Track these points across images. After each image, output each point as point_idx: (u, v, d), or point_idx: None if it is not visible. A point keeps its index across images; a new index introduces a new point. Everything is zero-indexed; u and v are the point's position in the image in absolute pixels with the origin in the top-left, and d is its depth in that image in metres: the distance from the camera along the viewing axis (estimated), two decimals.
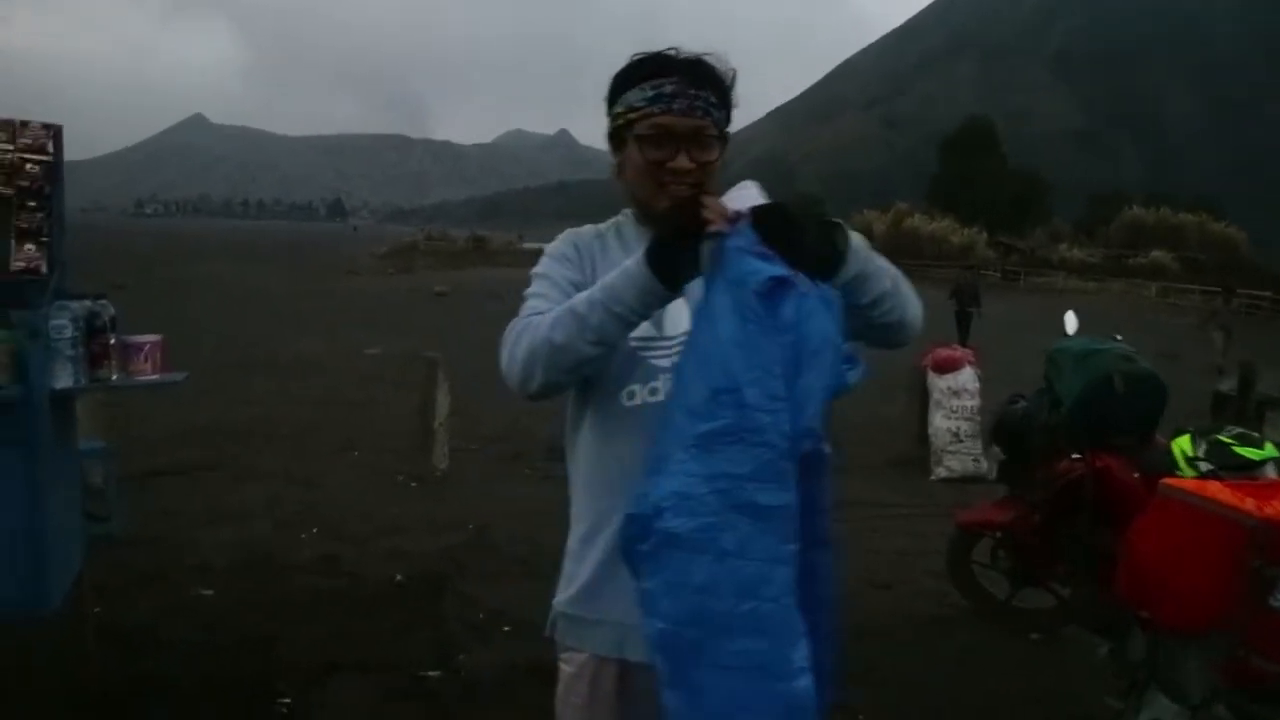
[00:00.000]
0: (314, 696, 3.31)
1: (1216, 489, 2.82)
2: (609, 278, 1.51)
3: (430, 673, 3.56)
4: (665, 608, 1.34)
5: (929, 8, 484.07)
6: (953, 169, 70.16)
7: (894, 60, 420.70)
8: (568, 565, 1.77)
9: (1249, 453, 3.20)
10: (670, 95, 1.61)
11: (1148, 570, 2.82)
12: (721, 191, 1.75)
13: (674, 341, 1.62)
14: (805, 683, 1.33)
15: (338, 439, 7.83)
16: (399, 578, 4.52)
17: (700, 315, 1.41)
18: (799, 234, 1.43)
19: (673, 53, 1.67)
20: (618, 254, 1.71)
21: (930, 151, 76.62)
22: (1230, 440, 3.24)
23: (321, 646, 3.71)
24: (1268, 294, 39.84)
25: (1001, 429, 4.10)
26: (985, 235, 56.14)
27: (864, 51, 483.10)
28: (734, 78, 1.70)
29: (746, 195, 1.50)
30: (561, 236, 1.79)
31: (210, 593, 4.22)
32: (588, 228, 1.81)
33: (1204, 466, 3.23)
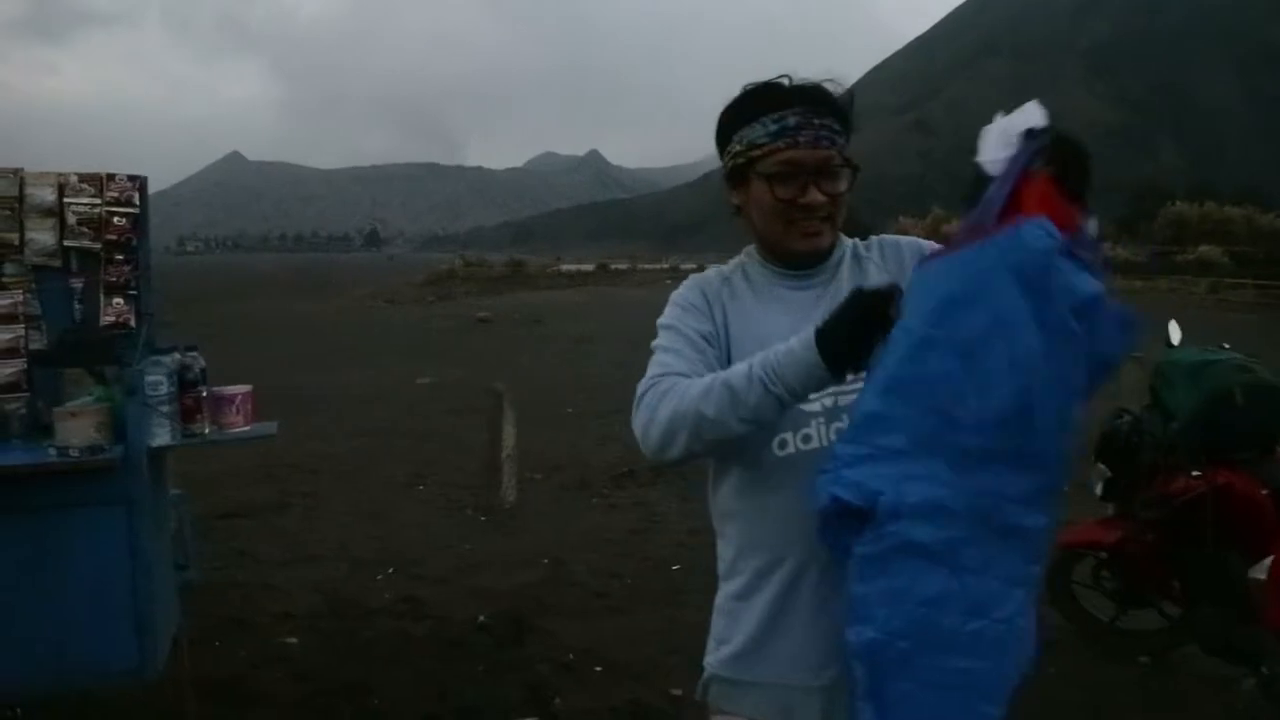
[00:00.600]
0: None
1: None
2: (772, 356, 1.42)
3: (528, 719, 3.46)
4: (882, 616, 1.26)
5: (957, 10, 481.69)
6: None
7: (924, 65, 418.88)
8: (719, 623, 1.67)
9: None
10: (795, 128, 1.52)
11: None
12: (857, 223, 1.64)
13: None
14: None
15: (402, 472, 7.79)
16: (482, 618, 4.43)
17: (986, 320, 1.25)
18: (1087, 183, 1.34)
19: (786, 81, 1.57)
20: (748, 297, 1.65)
21: (964, 156, 75.73)
22: None
23: (414, 694, 3.64)
24: None
25: (1108, 445, 3.91)
26: None
27: (893, 58, 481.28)
28: (852, 100, 1.60)
29: (1029, 116, 1.36)
30: (688, 283, 1.71)
31: (295, 640, 4.16)
32: (713, 272, 1.72)
33: None
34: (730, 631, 1.63)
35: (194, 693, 3.19)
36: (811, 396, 1.50)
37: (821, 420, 1.54)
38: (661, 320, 1.66)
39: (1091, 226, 1.30)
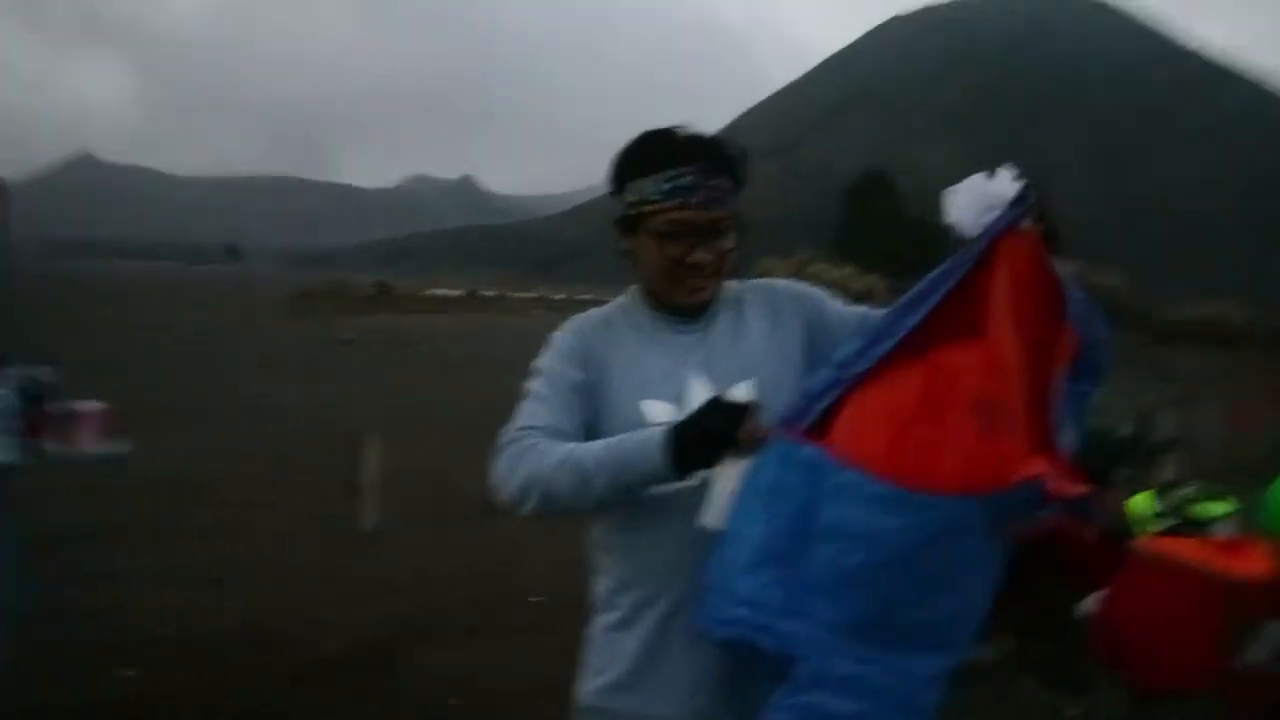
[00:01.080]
0: None
1: (1191, 548, 2.87)
2: (622, 447, 1.48)
3: None
4: None
5: (825, 63, 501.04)
6: (854, 219, 72.27)
7: (792, 113, 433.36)
8: (594, 655, 1.68)
9: (1207, 508, 3.27)
10: (688, 188, 1.56)
11: (1127, 632, 2.84)
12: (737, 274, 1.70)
13: None
14: None
15: (258, 493, 7.49)
16: (338, 649, 4.30)
17: (929, 541, 1.33)
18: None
19: (684, 134, 1.62)
20: (629, 338, 1.68)
21: (828, 201, 78.87)
22: (1193, 495, 3.30)
23: None
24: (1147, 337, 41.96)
25: None
26: (885, 282, 57.89)
27: (762, 104, 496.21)
28: (745, 158, 1.67)
29: (1006, 182, 1.45)
30: (568, 328, 1.73)
31: (133, 673, 3.92)
32: (595, 314, 1.75)
33: (1167, 522, 3.29)
34: (605, 662, 1.65)
35: None
36: None
37: None
38: (537, 363, 1.69)
39: (1072, 272, 1.41)
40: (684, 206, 1.56)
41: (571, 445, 1.53)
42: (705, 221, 1.58)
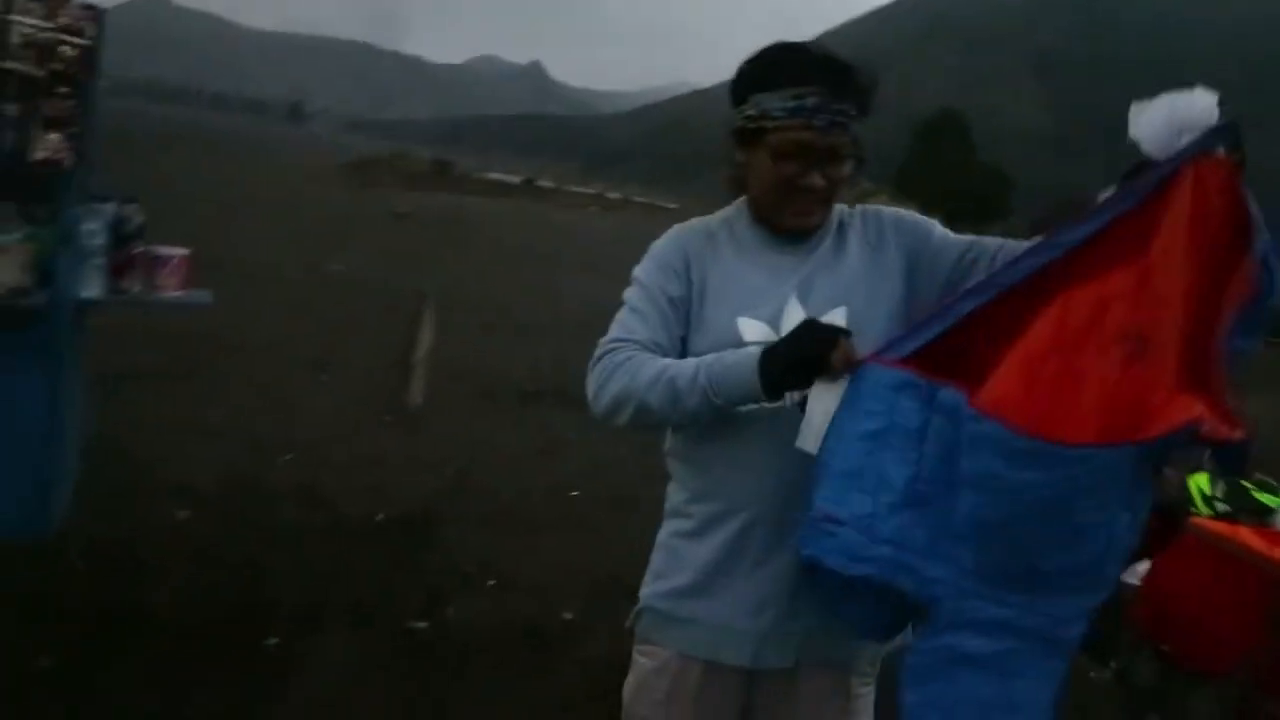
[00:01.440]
0: (302, 642, 3.20)
1: (1248, 535, 2.85)
2: (717, 367, 1.48)
3: (418, 624, 3.48)
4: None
5: None
6: (922, 156, 70.53)
7: (875, 38, 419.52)
8: (660, 558, 1.72)
9: (1267, 499, 3.23)
10: (813, 110, 1.52)
11: (1174, 608, 2.84)
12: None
13: None
14: None
15: (308, 358, 7.60)
16: (380, 517, 4.41)
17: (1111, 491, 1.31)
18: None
19: (816, 52, 1.57)
20: (730, 255, 1.66)
21: (903, 136, 76.92)
22: (1250, 485, 3.26)
23: (306, 584, 3.61)
24: None
25: None
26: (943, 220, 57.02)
27: (843, 27, 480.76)
28: (875, 86, 1.61)
29: (1204, 107, 1.36)
30: (669, 237, 1.72)
31: (187, 514, 4.06)
32: (697, 224, 1.73)
33: (1220, 507, 3.26)
34: (671, 567, 1.68)
35: (83, 554, 3.10)
36: None
37: None
38: (636, 272, 1.69)
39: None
40: (806, 127, 1.52)
41: (665, 362, 1.54)
42: (824, 145, 1.54)
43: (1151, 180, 1.36)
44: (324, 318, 9.61)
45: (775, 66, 1.57)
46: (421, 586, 3.77)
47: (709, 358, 1.51)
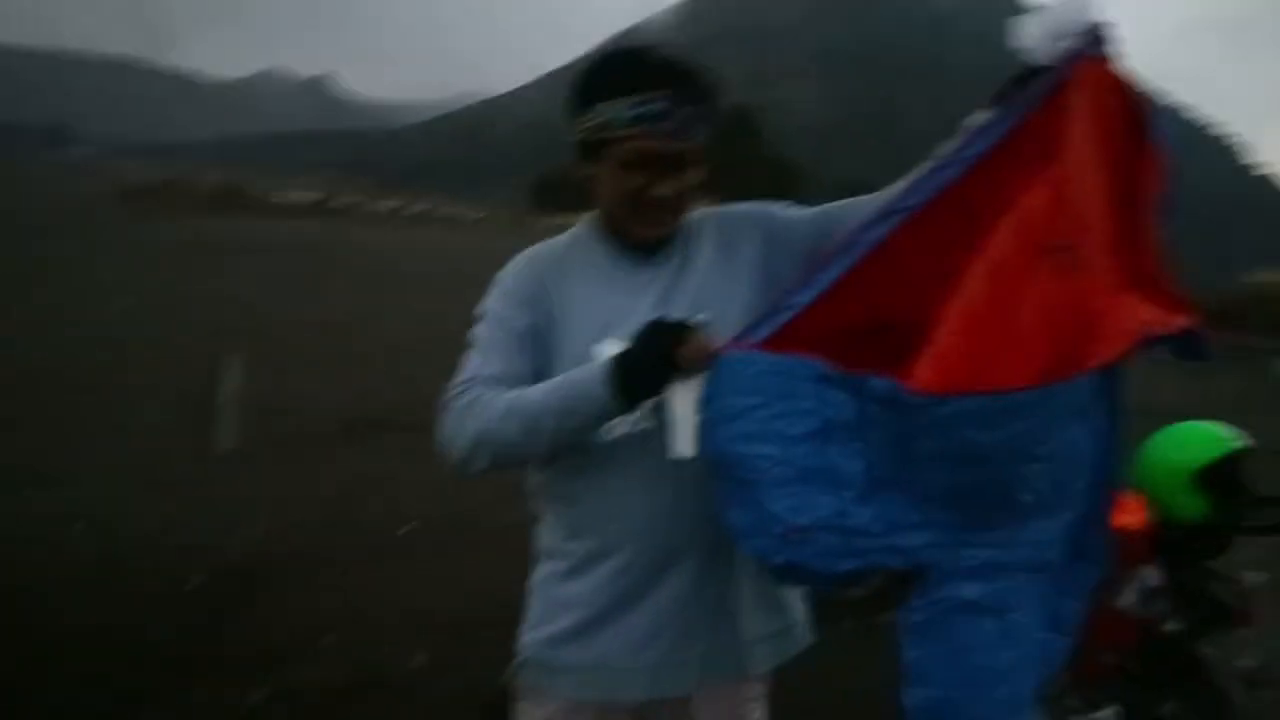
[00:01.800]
0: None
1: None
2: (567, 384, 1.41)
3: (252, 693, 3.19)
4: (940, 676, 1.36)
5: None
6: (716, 154, 72.71)
7: (669, 38, 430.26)
8: (539, 604, 1.63)
9: None
10: (658, 116, 1.45)
11: None
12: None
13: None
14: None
15: (101, 404, 6.95)
16: (197, 579, 4.04)
17: (1067, 411, 1.33)
18: None
19: (657, 56, 1.50)
20: (583, 276, 1.58)
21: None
22: None
23: (117, 663, 3.24)
24: None
25: None
26: None
27: (638, 26, 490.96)
28: (717, 89, 1.56)
29: (1085, 6, 1.35)
30: (517, 264, 1.62)
31: None
32: (545, 249, 1.64)
33: None
34: (551, 612, 1.59)
35: None
36: None
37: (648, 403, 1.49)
38: (485, 305, 1.59)
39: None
40: (651, 135, 1.45)
41: (515, 393, 1.44)
42: (671, 153, 1.47)
43: (1039, 90, 1.35)
44: (112, 360, 8.83)
45: (616, 73, 1.49)
46: (252, 651, 3.48)
47: (558, 378, 1.43)
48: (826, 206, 1.65)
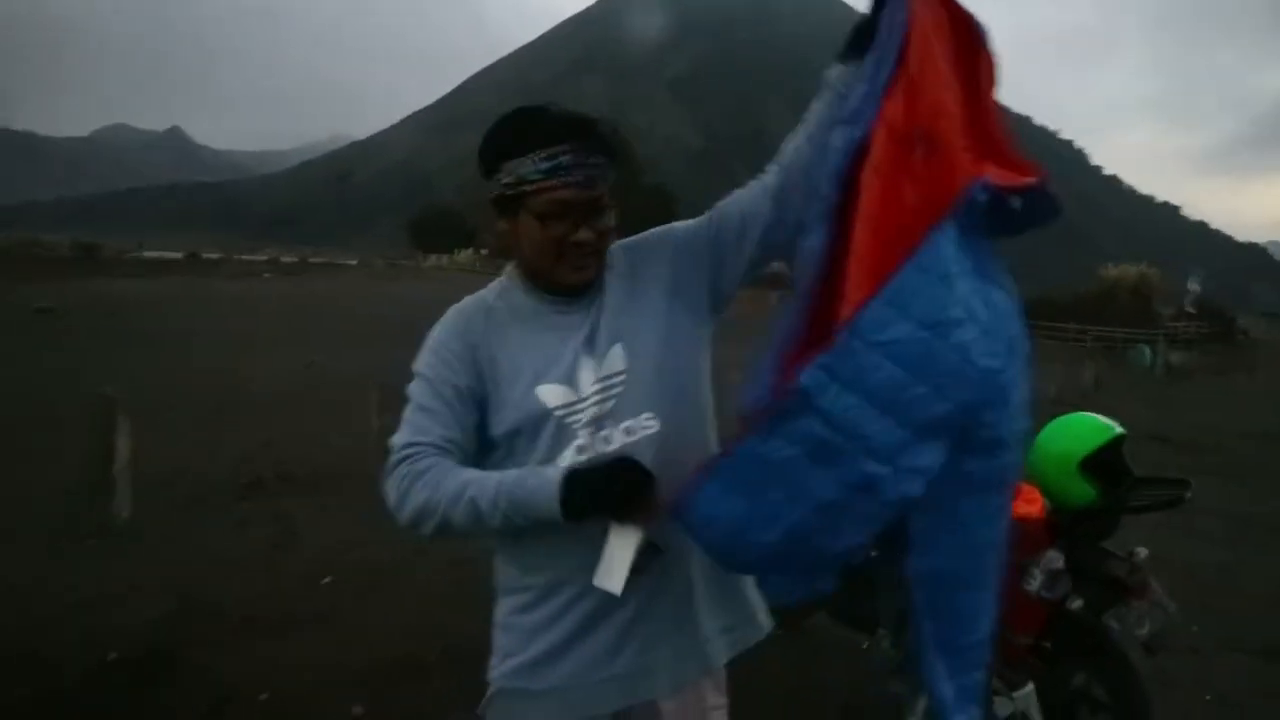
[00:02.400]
0: None
1: None
2: (519, 490, 1.48)
3: None
4: (945, 545, 1.53)
5: (559, 26, 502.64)
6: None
7: (526, 75, 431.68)
8: (505, 638, 1.69)
9: None
10: (568, 168, 1.56)
11: None
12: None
13: (589, 399, 1.61)
14: None
15: None
16: (112, 656, 3.88)
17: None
18: None
19: (557, 112, 1.61)
20: (514, 326, 1.67)
21: None
22: None
23: None
24: None
25: None
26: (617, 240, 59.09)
27: (494, 65, 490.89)
28: (618, 136, 1.67)
29: None
30: (446, 322, 1.70)
31: None
32: (471, 304, 1.72)
33: None
34: (518, 643, 1.66)
35: None
36: (578, 413, 1.59)
37: (590, 430, 1.59)
38: (417, 366, 1.66)
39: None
40: (565, 185, 1.55)
41: (466, 478, 1.51)
42: (586, 200, 1.58)
43: (897, 19, 1.53)
44: None
45: (521, 132, 1.58)
46: (189, 716, 3.37)
47: (510, 477, 1.50)
48: (715, 207, 1.77)
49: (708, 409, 1.72)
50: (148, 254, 50.51)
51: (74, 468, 6.29)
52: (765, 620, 1.79)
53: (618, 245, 1.77)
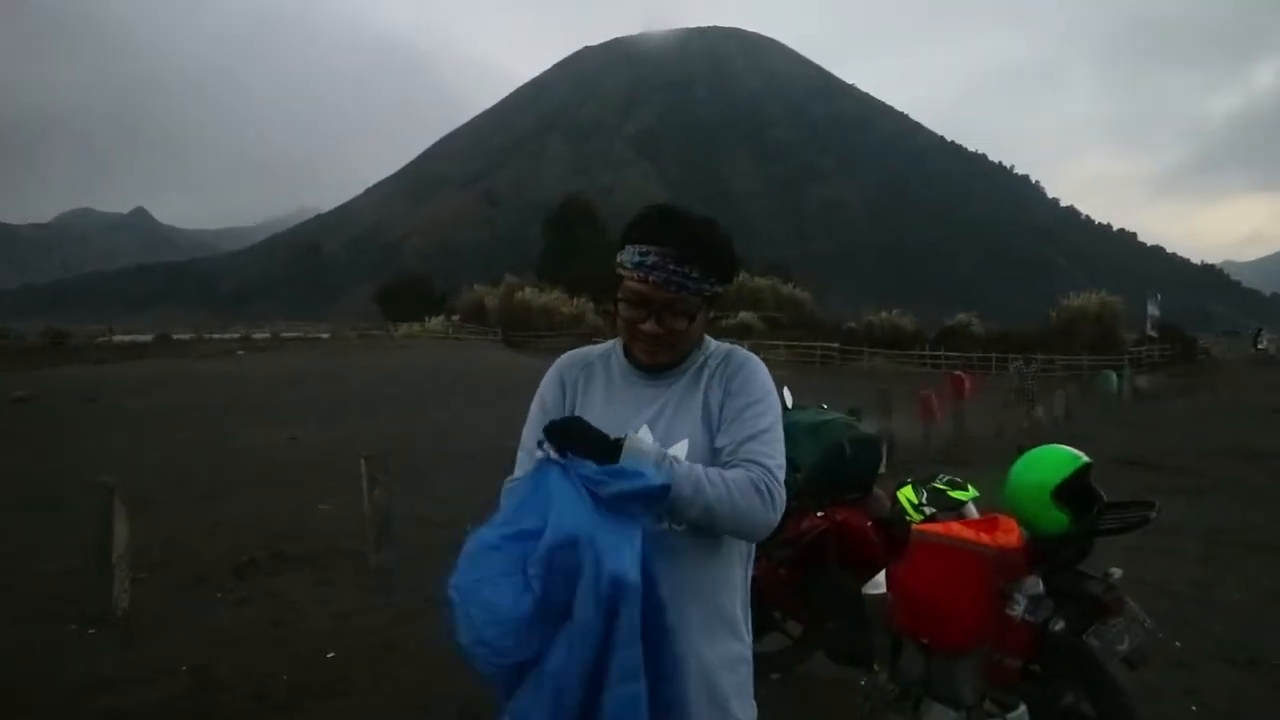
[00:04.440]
0: None
1: (959, 529, 3.38)
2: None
3: None
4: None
5: (519, 91, 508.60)
6: (556, 243, 74.08)
7: (487, 140, 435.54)
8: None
9: (958, 495, 3.83)
10: (650, 267, 1.75)
11: (922, 604, 3.31)
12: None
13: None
14: None
15: None
16: None
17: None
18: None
19: (674, 214, 1.80)
20: (600, 385, 1.89)
21: (531, 226, 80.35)
22: (944, 486, 3.86)
23: None
24: (835, 345, 46.32)
25: None
26: (592, 304, 59.34)
27: (457, 131, 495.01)
28: (726, 248, 1.83)
29: None
30: (554, 366, 1.95)
31: None
32: (579, 354, 1.97)
33: (927, 510, 3.82)
34: None
35: None
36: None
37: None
38: (532, 409, 1.92)
39: None
40: (642, 281, 1.75)
41: None
42: (659, 298, 1.76)
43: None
44: None
45: (638, 224, 1.80)
46: None
47: None
48: (736, 452, 1.80)
49: None
50: (118, 338, 50.09)
51: (69, 554, 6.33)
52: None
53: (733, 351, 1.91)
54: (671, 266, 1.75)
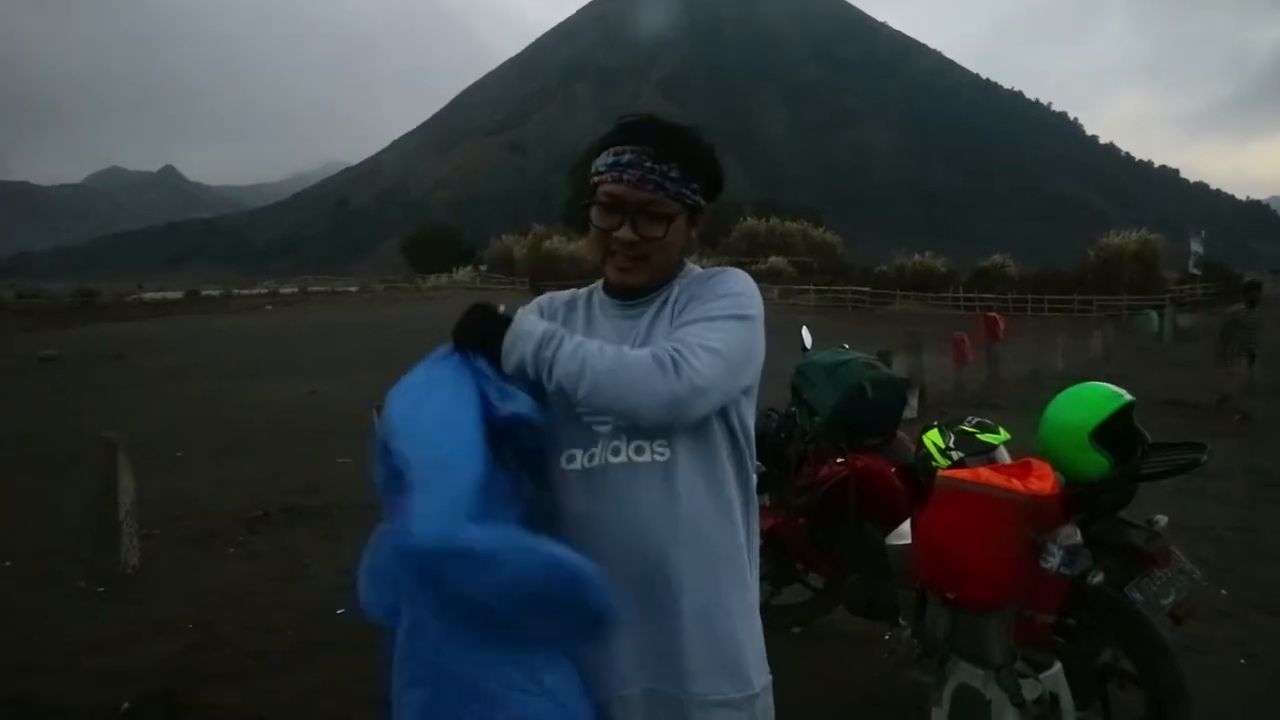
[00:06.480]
0: None
1: (988, 474, 3.11)
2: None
3: None
4: None
5: (545, 37, 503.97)
6: (582, 193, 73.50)
7: (514, 88, 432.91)
8: None
9: (988, 438, 3.57)
10: (625, 165, 1.61)
11: (947, 556, 3.04)
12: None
13: None
14: None
15: None
16: (125, 705, 3.82)
17: None
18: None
19: (645, 118, 1.67)
20: (580, 321, 1.76)
21: (558, 174, 79.78)
22: (972, 429, 3.59)
23: None
24: (866, 289, 45.77)
25: (759, 443, 4.25)
26: None
27: (483, 81, 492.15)
28: (707, 153, 1.70)
29: None
30: (543, 295, 1.86)
31: None
32: (564, 293, 1.86)
33: (955, 455, 3.56)
34: None
35: None
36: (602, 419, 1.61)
37: (607, 441, 1.62)
38: None
39: None
40: (617, 180, 1.60)
41: None
42: (635, 200, 1.61)
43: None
44: None
45: (610, 134, 1.67)
46: None
47: None
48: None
49: (724, 440, 1.66)
50: (148, 295, 50.54)
51: (85, 512, 6.25)
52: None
53: (701, 271, 1.76)
54: (648, 164, 1.60)
